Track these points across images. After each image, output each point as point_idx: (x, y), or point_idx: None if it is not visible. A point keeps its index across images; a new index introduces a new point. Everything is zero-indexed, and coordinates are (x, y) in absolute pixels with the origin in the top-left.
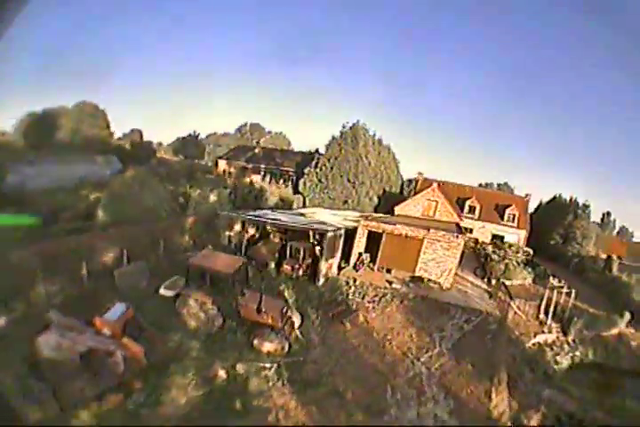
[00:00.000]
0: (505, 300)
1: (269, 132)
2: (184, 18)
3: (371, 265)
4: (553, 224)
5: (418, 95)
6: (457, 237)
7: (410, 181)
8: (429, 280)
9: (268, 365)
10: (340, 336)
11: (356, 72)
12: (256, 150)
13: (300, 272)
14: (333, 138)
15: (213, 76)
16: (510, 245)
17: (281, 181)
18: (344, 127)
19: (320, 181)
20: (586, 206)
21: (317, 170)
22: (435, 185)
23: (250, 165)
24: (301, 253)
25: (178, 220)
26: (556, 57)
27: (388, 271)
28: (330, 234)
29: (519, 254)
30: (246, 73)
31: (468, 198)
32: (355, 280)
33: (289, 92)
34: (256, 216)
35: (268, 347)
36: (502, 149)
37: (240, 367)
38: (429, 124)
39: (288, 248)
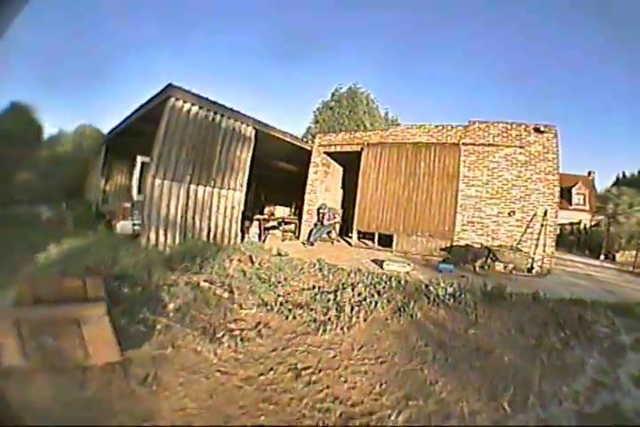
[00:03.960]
0: None
1: None
2: None
3: (354, 239)
4: None
5: None
6: (539, 130)
7: None
8: (501, 248)
9: None
10: None
11: None
12: None
13: None
14: (324, 102)
15: None
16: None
17: None
18: (337, 90)
19: None
20: None
21: None
22: None
23: None
24: None
25: None
26: None
27: (386, 245)
28: None
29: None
30: None
31: None
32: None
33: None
34: None
35: None
36: None
37: None
38: None
39: None
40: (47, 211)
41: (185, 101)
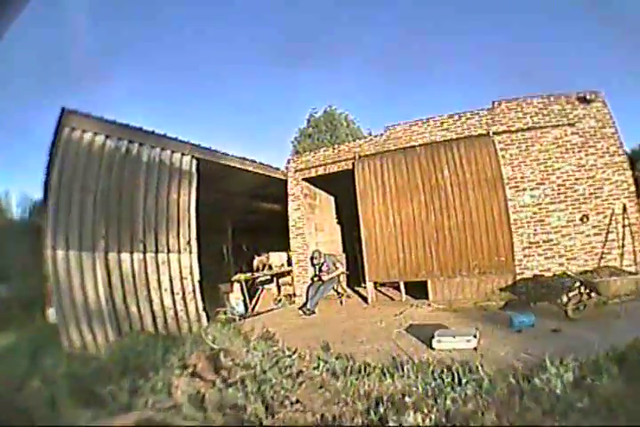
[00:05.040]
0: None
1: None
2: None
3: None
4: None
5: None
6: (585, 99)
7: None
8: (599, 274)
9: None
10: None
11: None
12: None
13: None
14: (300, 130)
15: None
16: None
17: None
18: (312, 116)
19: None
20: None
21: None
22: None
23: None
24: None
25: None
26: None
27: (417, 294)
28: None
29: None
30: None
31: None
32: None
33: None
34: None
35: None
36: None
37: None
38: None
39: None
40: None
41: (85, 130)
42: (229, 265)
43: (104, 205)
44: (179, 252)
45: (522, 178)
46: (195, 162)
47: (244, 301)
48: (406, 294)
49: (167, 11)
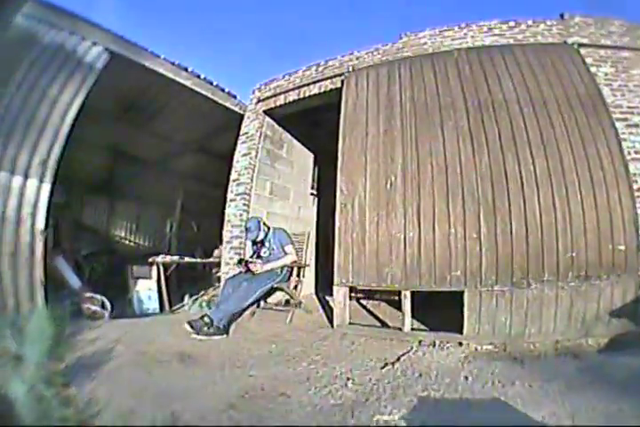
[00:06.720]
0: None
1: None
2: None
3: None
4: None
5: None
6: None
7: None
8: None
9: None
10: None
11: None
12: None
13: None
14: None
15: None
16: None
17: None
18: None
19: None
20: None
21: None
22: None
23: None
24: None
25: None
26: None
27: (433, 322)
28: None
29: None
30: None
31: None
32: None
33: None
34: None
35: None
36: None
37: None
38: None
39: None
40: None
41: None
42: (170, 247)
43: None
44: (25, 175)
45: (629, 108)
46: (105, 56)
47: (161, 293)
48: (413, 317)
49: None
